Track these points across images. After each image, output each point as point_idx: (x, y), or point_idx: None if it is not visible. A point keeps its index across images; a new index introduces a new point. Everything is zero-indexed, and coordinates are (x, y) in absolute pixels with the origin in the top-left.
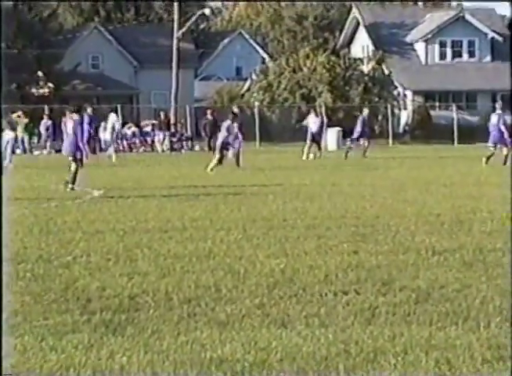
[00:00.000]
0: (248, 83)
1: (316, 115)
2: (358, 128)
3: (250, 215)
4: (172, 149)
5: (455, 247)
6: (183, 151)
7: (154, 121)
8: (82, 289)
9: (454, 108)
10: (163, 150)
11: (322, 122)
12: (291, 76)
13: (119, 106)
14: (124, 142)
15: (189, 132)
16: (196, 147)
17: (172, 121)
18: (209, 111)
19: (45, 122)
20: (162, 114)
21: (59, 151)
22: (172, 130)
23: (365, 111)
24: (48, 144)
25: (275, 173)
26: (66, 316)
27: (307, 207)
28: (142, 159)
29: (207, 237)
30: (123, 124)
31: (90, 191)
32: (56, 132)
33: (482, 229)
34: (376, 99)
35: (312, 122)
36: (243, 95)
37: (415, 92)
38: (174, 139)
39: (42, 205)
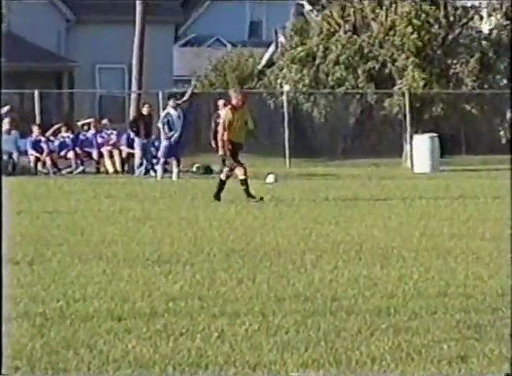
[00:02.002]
0: (271, 51)
1: None
2: None
3: (283, 291)
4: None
5: None
6: (158, 173)
7: (89, 120)
8: None
9: None
10: (116, 171)
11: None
12: (349, 39)
13: (36, 94)
14: (46, 157)
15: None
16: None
17: (132, 113)
18: (221, 102)
19: None
20: (146, 108)
21: None
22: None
23: None
24: None
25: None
26: None
27: None
28: (81, 187)
29: (206, 336)
30: (42, 127)
31: None
32: None
33: None
34: (504, 82)
35: None
36: (261, 72)
37: None
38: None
39: None
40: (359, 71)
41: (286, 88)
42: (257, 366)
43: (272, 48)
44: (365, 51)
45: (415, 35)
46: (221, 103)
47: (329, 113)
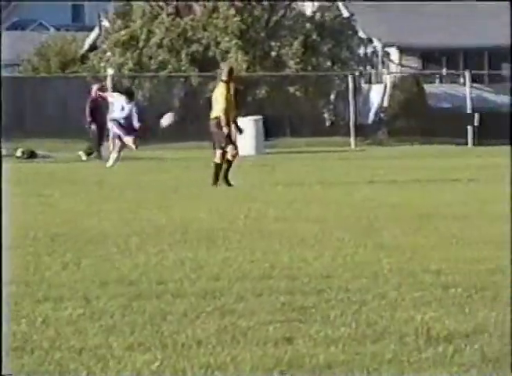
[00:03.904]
0: (94, 35)
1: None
2: None
3: (108, 275)
4: None
5: None
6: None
7: None
8: None
9: (467, 78)
10: None
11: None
12: (172, 22)
13: None
14: None
15: None
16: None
17: None
18: (95, 88)
19: None
20: None
21: None
22: None
23: None
24: None
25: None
26: None
27: None
28: None
29: (31, 321)
30: None
31: None
32: None
33: None
34: (328, 64)
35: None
36: (84, 56)
37: (402, 51)
38: None
39: None
40: (183, 54)
41: (110, 71)
42: (82, 350)
43: (94, 32)
44: (189, 34)
45: (238, 18)
46: (95, 88)
47: (154, 97)
